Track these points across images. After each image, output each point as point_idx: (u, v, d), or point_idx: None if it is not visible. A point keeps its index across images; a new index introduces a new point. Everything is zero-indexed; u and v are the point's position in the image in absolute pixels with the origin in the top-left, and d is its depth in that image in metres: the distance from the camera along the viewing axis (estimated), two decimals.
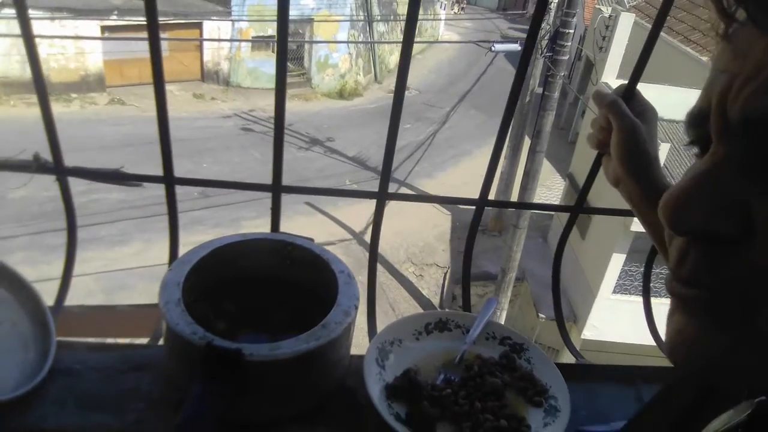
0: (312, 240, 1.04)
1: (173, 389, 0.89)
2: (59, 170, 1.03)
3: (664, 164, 8.54)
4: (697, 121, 0.43)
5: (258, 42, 17.10)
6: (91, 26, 14.46)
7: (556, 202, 13.44)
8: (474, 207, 1.09)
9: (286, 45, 0.94)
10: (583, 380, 1.06)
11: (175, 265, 0.92)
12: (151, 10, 0.90)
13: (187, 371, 0.83)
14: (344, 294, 0.91)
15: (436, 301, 11.73)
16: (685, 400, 0.61)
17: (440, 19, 25.39)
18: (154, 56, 0.90)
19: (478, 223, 1.12)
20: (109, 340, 1.07)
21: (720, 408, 0.50)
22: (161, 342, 0.97)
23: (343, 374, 0.93)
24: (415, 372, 0.94)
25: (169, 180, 1.04)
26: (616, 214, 1.17)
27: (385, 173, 1.07)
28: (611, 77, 10.68)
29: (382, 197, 1.07)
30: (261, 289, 1.03)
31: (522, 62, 0.95)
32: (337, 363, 0.89)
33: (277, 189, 1.05)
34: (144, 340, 1.10)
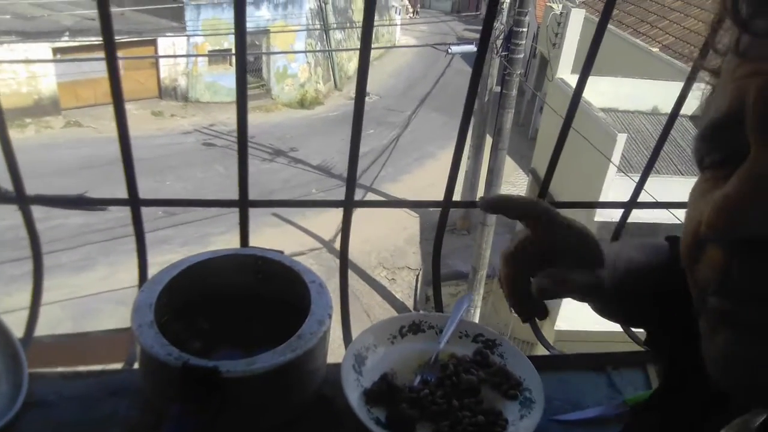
0: (282, 252, 1.05)
1: (151, 412, 0.89)
2: (21, 199, 1.02)
3: (622, 154, 8.72)
4: (722, 128, 0.41)
5: (215, 56, 16.96)
6: (42, 49, 14.16)
7: None
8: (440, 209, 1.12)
9: (245, 59, 0.95)
10: (555, 370, 1.09)
11: (146, 286, 0.92)
12: (107, 31, 0.90)
13: (165, 393, 0.83)
14: (317, 304, 0.92)
15: (410, 303, 11.77)
16: (694, 407, 0.58)
17: (396, 24, 25.52)
18: (112, 78, 0.89)
19: (444, 224, 1.14)
20: (83, 368, 1.05)
21: (731, 415, 0.49)
22: (136, 365, 0.97)
23: (320, 383, 0.94)
24: (392, 375, 0.95)
25: (134, 202, 1.03)
26: (579, 207, 1.20)
27: (351, 181, 1.08)
28: (566, 72, 10.87)
29: (349, 205, 1.09)
30: (234, 304, 1.03)
31: (475, 70, 0.97)
32: (314, 373, 0.90)
33: (244, 204, 1.05)
34: (119, 365, 1.09)
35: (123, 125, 0.96)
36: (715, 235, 0.37)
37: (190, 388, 0.78)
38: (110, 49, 0.92)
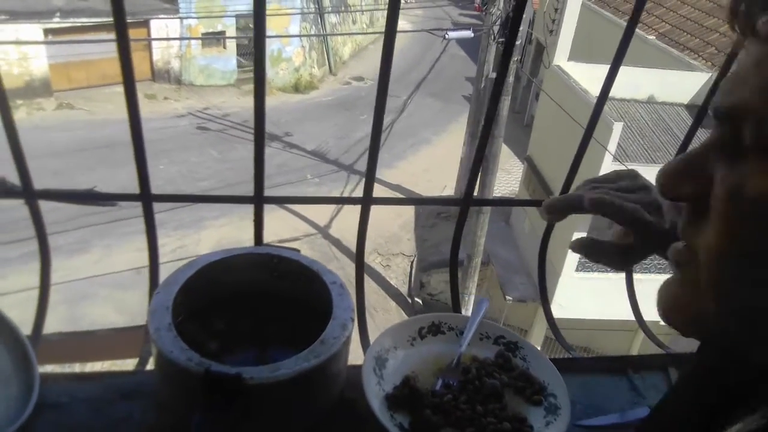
0: (298, 251, 1.02)
1: (168, 416, 0.86)
2: (29, 194, 0.99)
3: (618, 143, 8.70)
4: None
5: (209, 39, 16.78)
6: (33, 29, 13.95)
7: (516, 186, 13.62)
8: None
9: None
10: (575, 373, 1.06)
11: (162, 287, 0.89)
12: (118, 12, 0.86)
13: (185, 398, 0.80)
14: (339, 306, 0.89)
15: (404, 290, 11.78)
16: (699, 407, 0.60)
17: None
18: (127, 80, 0.86)
19: (463, 223, 1.11)
20: (89, 367, 1.03)
21: (736, 415, 0.50)
22: (149, 367, 0.94)
23: (342, 387, 0.91)
24: (414, 379, 0.93)
25: (146, 198, 1.00)
26: None
27: (370, 177, 1.05)
28: (563, 59, 10.82)
29: (367, 202, 1.06)
30: (249, 303, 1.00)
31: (498, 78, 0.94)
32: (336, 377, 0.88)
33: (259, 201, 1.02)
34: (127, 361, 1.07)
35: (136, 120, 0.92)
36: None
37: (212, 395, 0.75)
38: (123, 34, 0.88)
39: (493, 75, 11.48)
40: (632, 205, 0.71)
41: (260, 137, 0.96)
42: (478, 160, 1.04)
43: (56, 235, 9.43)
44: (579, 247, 0.76)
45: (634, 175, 0.77)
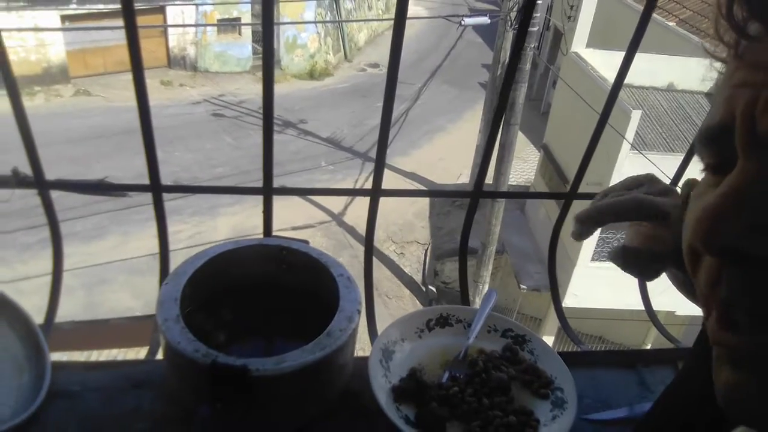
0: (307, 242, 1.02)
1: (177, 405, 0.87)
2: (41, 184, 0.99)
3: (636, 131, 8.60)
4: (715, 137, 0.41)
5: (224, 25, 16.78)
6: (51, 16, 14.05)
7: (532, 174, 13.53)
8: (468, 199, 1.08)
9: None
10: (584, 367, 1.06)
11: (170, 278, 0.90)
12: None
13: (192, 389, 0.81)
14: (346, 299, 0.90)
15: (418, 278, 11.79)
16: (699, 418, 0.59)
17: None
18: (135, 69, 0.86)
19: (473, 214, 1.11)
20: (104, 356, 1.04)
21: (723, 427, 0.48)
22: (159, 356, 0.95)
23: (347, 379, 0.92)
24: (421, 371, 0.93)
25: (156, 188, 1.00)
26: None
27: (379, 169, 1.05)
28: (581, 46, 10.69)
29: (376, 194, 1.05)
30: (258, 295, 1.01)
31: (508, 74, 0.93)
32: (342, 369, 0.88)
33: (268, 192, 1.02)
34: (139, 349, 1.08)
35: (145, 110, 0.92)
36: (699, 246, 0.37)
37: (218, 386, 0.76)
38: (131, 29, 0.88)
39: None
40: (630, 196, 0.69)
41: (269, 131, 0.96)
42: (488, 153, 1.03)
43: (73, 221, 9.56)
44: (616, 256, 0.73)
45: (651, 179, 0.73)
